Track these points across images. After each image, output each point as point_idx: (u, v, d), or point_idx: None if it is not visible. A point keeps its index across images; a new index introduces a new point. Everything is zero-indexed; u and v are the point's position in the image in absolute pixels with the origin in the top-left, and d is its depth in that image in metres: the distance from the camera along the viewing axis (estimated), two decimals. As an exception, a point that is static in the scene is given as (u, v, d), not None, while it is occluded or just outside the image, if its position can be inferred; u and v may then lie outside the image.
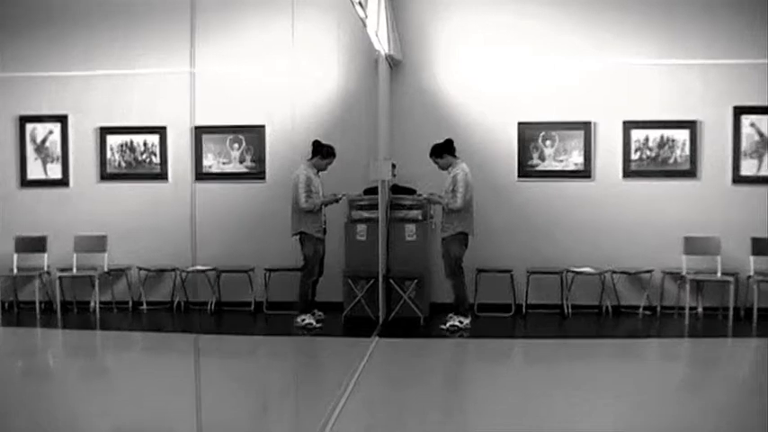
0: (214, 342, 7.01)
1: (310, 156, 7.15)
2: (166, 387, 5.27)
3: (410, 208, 7.85)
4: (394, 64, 8.23)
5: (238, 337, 7.07)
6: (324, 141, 7.12)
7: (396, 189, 8.05)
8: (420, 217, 7.83)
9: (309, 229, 7.07)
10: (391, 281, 7.69)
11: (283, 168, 7.51)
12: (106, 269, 7.96)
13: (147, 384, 5.41)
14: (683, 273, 7.76)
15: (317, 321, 7.20)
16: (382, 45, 7.48)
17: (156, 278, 8.27)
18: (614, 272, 8.01)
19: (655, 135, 8.11)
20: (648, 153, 8.12)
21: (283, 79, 7.43)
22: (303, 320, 7.09)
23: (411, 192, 8.02)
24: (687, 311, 7.65)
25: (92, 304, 7.85)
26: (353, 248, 7.74)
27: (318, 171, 7.18)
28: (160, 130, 8.38)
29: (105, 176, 8.43)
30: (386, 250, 7.79)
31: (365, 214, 7.71)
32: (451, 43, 8.35)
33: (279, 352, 6.59)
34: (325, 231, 7.25)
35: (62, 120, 8.23)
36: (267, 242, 7.66)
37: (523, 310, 8.03)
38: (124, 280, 8.25)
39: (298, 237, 7.12)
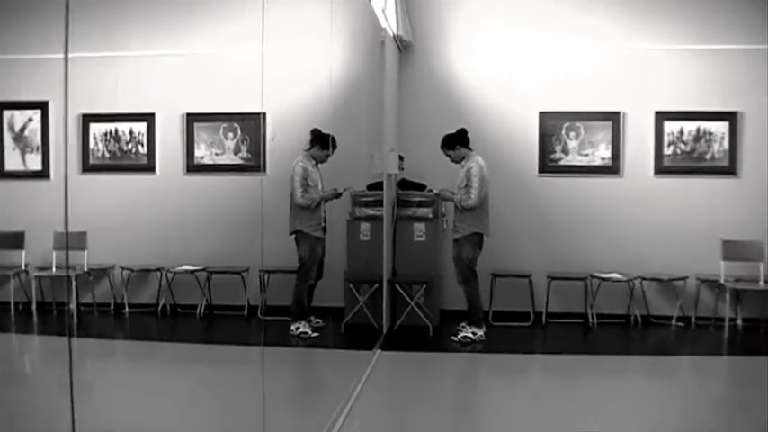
0: (198, 351, 6.34)
1: (308, 146, 6.50)
2: (135, 403, 4.64)
3: (419, 205, 7.26)
4: (403, 47, 7.61)
5: (224, 346, 6.39)
6: (324, 130, 6.43)
7: (403, 184, 7.45)
8: (430, 215, 7.23)
9: (306, 227, 6.44)
10: (397, 286, 7.06)
11: (283, 160, 6.87)
12: (86, 268, 7.37)
13: (112, 401, 4.74)
14: (721, 280, 7.11)
15: (314, 330, 6.55)
16: (390, 24, 6.83)
17: (141, 278, 7.67)
18: (644, 278, 7.37)
19: (690, 127, 7.47)
20: (683, 147, 7.49)
21: (282, 61, 6.77)
22: (297, 329, 6.46)
23: (420, 187, 7.43)
24: (726, 323, 6.96)
25: (71, 306, 7.26)
26: (356, 249, 7.13)
27: (317, 163, 6.56)
28: (148, 118, 7.80)
29: (88, 168, 7.84)
30: (392, 252, 7.20)
31: (369, 212, 7.11)
32: (467, 25, 7.73)
33: (268, 365, 5.87)
34: (324, 230, 6.61)
35: (42, 106, 7.65)
36: (265, 241, 6.97)
37: (543, 319, 7.39)
38: (106, 280, 7.67)
39: (294, 235, 6.47)
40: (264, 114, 7.37)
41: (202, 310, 7.21)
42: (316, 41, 6.60)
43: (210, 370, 5.82)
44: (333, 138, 6.47)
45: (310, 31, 6.45)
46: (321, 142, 6.43)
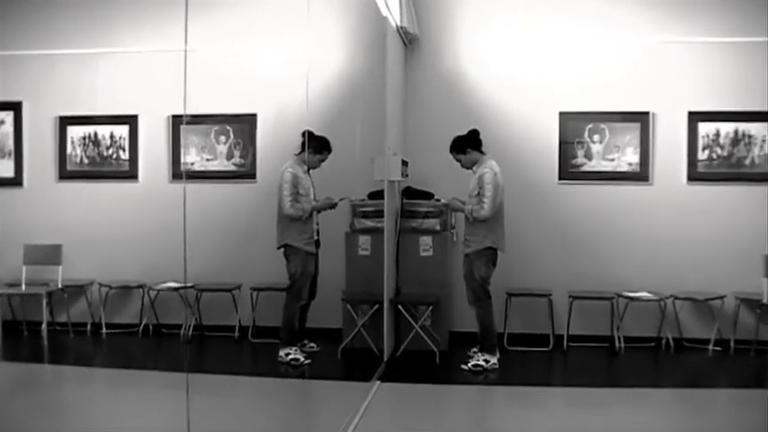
0: (179, 381, 5.62)
1: (299, 150, 5.89)
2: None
3: (426, 216, 6.63)
4: (408, 40, 7.02)
5: (206, 375, 5.72)
6: (317, 132, 5.81)
7: (408, 192, 6.82)
8: (438, 227, 6.61)
9: (296, 240, 5.84)
10: (400, 307, 6.40)
11: (275, 166, 6.32)
12: (60, 285, 6.82)
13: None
14: (764, 300, 6.44)
15: (307, 356, 5.89)
16: (392, 14, 6.22)
17: (121, 296, 7.08)
18: (677, 298, 6.73)
19: (727, 129, 6.84)
20: (719, 151, 6.86)
21: (276, 56, 6.47)
22: (288, 355, 5.83)
23: (427, 196, 6.79)
24: (771, 348, 6.27)
25: (43, 327, 6.68)
26: (355, 265, 6.51)
27: (309, 169, 5.96)
28: (130, 120, 7.27)
29: (65, 175, 7.29)
30: (395, 268, 6.55)
31: (370, 223, 6.51)
32: (480, 17, 7.14)
33: (250, 401, 5.22)
34: (317, 244, 6.01)
35: (15, 107, 7.16)
36: (257, 255, 6.54)
37: (564, 343, 6.73)
38: (83, 298, 7.09)
39: (282, 250, 5.87)
40: (255, 115, 6.95)
41: (190, 331, 6.63)
42: (312, 31, 6.02)
43: (184, 403, 5.12)
44: (327, 140, 5.85)
45: (307, 19, 5.87)
46: (314, 145, 5.84)
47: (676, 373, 6.28)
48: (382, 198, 6.25)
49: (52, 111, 7.27)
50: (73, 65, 7.19)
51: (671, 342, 6.71)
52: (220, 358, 6.29)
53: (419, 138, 7.13)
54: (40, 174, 7.25)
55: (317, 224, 5.98)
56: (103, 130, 7.31)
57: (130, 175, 7.24)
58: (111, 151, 7.30)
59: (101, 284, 6.97)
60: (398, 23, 6.41)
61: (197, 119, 7.12)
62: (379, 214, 6.35)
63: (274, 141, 6.76)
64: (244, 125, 7.02)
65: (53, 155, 7.32)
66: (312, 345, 6.16)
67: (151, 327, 6.87)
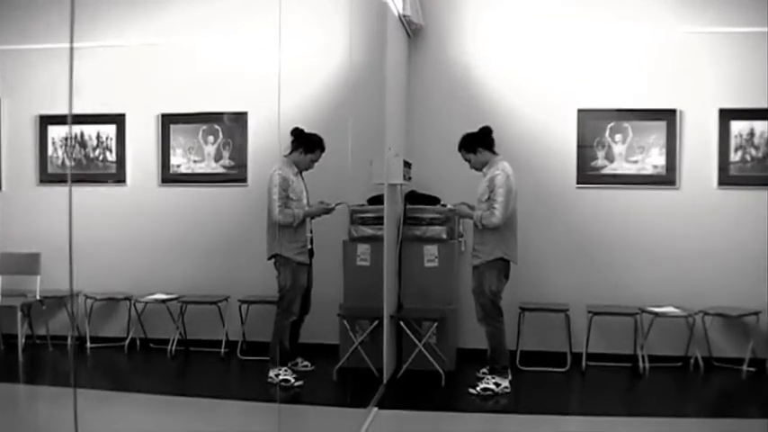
0: (159, 405, 5.23)
1: (288, 150, 5.51)
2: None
3: (430, 223, 6.26)
4: (412, 31, 6.72)
5: (186, 398, 5.30)
6: (307, 130, 5.44)
7: (412, 197, 6.46)
8: (444, 235, 6.25)
9: (287, 249, 5.40)
10: (402, 323, 6.01)
11: (266, 168, 5.90)
12: (38, 296, 6.43)
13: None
14: None
15: (298, 377, 5.47)
16: (394, 1, 5.95)
17: (105, 308, 6.70)
18: (706, 313, 6.31)
19: (762, 128, 6.48)
20: (753, 153, 6.51)
21: (267, 45, 5.72)
22: (278, 376, 5.37)
23: (433, 201, 6.43)
24: (812, 369, 5.82)
25: (20, 340, 6.34)
26: (353, 277, 6.12)
27: (300, 170, 5.54)
28: (117, 119, 6.82)
29: (46, 178, 6.89)
30: (396, 280, 6.19)
31: (369, 231, 6.11)
32: (491, 6, 6.84)
33: (232, 428, 4.75)
34: (311, 254, 5.59)
35: None
36: (246, 265, 6.13)
37: (583, 362, 6.29)
38: (63, 311, 6.69)
39: (273, 260, 5.48)
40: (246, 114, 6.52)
41: (174, 347, 6.20)
42: (307, 19, 5.64)
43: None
44: (319, 138, 5.45)
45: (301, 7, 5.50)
46: (305, 144, 5.43)
47: (706, 397, 5.88)
48: (383, 203, 5.88)
49: (32, 109, 6.90)
50: (55, 60, 6.80)
51: (700, 362, 6.30)
52: (204, 378, 5.91)
53: (423, 137, 6.84)
54: (19, 177, 6.91)
55: (311, 232, 5.58)
56: (89, 130, 6.93)
57: (118, 178, 6.82)
58: (97, 153, 6.92)
59: (86, 296, 6.59)
60: (401, 12, 6.11)
61: (185, 117, 6.73)
62: (379, 221, 5.99)
63: (266, 141, 6.38)
64: (233, 124, 6.62)
65: (33, 157, 6.95)
66: (306, 363, 5.75)
67: (138, 341, 6.43)
